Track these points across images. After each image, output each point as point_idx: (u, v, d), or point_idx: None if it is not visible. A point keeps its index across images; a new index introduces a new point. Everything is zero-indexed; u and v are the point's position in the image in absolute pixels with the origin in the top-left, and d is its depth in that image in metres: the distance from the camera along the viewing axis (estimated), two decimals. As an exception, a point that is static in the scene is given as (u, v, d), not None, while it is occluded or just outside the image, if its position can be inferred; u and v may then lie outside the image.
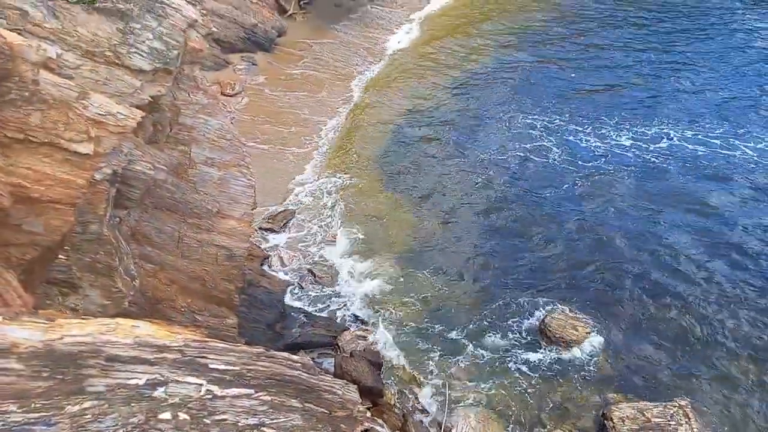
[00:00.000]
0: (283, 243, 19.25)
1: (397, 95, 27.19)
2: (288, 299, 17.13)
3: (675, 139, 24.12)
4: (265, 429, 4.64)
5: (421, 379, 15.14)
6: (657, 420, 13.33)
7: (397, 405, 14.46)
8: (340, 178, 22.04)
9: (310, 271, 18.27)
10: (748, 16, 34.47)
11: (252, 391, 4.92)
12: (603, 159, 23.06)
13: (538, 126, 24.93)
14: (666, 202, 20.77)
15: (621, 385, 14.65)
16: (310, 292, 17.63)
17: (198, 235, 11.09)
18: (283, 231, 19.70)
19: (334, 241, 19.37)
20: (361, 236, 19.55)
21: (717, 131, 24.46)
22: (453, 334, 16.25)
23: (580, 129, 24.73)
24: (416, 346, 15.99)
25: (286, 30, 30.46)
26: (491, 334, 16.30)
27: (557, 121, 25.24)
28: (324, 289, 17.77)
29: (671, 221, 19.99)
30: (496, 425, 13.56)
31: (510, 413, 14.03)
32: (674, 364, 15.19)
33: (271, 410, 4.83)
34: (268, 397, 4.92)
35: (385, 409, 14.26)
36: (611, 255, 18.80)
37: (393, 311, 17.05)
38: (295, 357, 5.55)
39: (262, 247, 18.65)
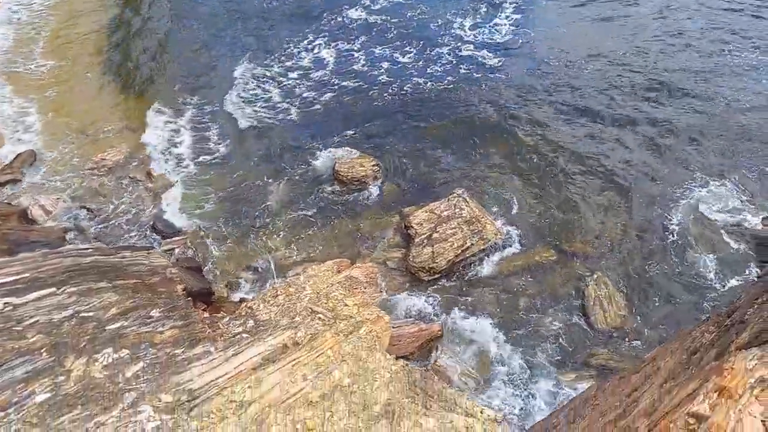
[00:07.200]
0: (34, 190, 16.74)
1: None
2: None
3: None
4: (83, 315, 4.51)
5: (246, 262, 15.38)
6: (445, 213, 15.64)
7: (230, 294, 14.63)
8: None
9: (84, 207, 16.38)
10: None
11: (53, 289, 4.65)
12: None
13: None
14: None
15: (410, 198, 16.74)
16: (93, 230, 15.98)
17: None
18: (26, 176, 17.04)
19: (99, 167, 17.40)
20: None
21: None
22: (258, 213, 16.55)
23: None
24: (225, 234, 16.03)
25: None
26: (292, 198, 17.05)
27: None
28: (108, 220, 16.26)
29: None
30: (323, 269, 14.70)
31: (331, 253, 15.23)
32: (442, 168, 17.70)
33: (82, 298, 4.66)
34: (73, 289, 4.70)
35: (219, 303, 14.36)
36: (368, 100, 20.59)
37: (192, 214, 16.54)
38: (84, 245, 5.26)
39: (12, 202, 16.00)
